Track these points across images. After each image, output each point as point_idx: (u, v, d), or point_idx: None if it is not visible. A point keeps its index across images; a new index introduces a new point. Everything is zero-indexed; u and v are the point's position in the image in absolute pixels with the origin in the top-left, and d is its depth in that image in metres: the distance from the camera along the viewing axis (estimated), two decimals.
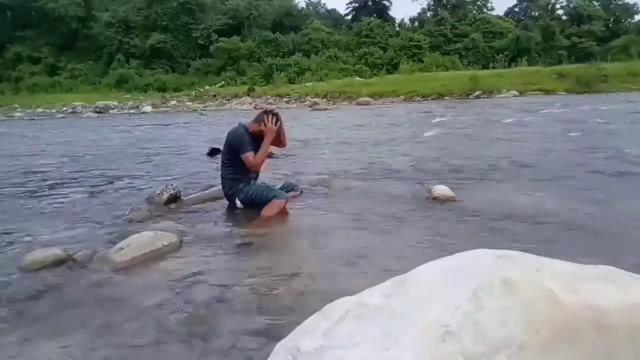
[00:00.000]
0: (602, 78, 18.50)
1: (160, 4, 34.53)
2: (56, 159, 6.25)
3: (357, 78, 26.18)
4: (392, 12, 43.40)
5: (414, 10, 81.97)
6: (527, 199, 3.24)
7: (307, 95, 21.46)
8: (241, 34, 34.67)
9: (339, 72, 30.24)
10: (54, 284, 2.06)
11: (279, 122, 3.23)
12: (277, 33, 34.57)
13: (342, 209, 3.17)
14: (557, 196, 3.29)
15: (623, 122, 7.99)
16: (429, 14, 39.70)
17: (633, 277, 0.98)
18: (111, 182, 4.46)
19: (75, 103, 22.43)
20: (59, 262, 2.26)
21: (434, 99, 18.81)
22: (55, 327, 1.68)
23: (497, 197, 3.34)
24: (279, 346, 1.01)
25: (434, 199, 3.23)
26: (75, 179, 4.72)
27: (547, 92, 17.98)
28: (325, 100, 20.17)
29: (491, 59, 30.64)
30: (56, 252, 2.31)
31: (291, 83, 26.59)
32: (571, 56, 31.07)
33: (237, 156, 3.17)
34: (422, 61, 30.08)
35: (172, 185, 3.54)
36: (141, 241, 2.37)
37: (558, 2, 39.48)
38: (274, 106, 17.35)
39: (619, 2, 39.36)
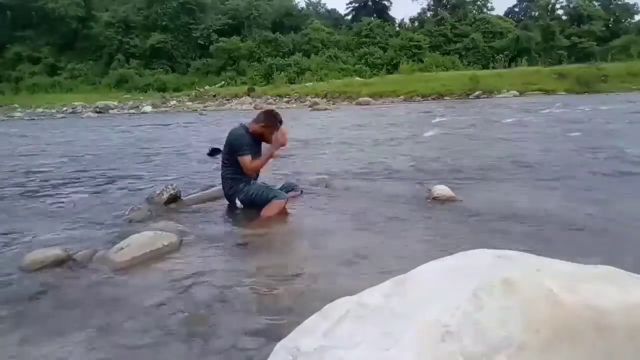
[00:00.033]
0: (602, 78, 18.52)
1: (160, 4, 34.55)
2: (56, 159, 6.25)
3: (357, 78, 26.19)
4: (392, 12, 43.50)
5: (414, 10, 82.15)
6: (527, 199, 3.25)
7: (307, 95, 21.47)
8: (241, 34, 34.68)
9: (339, 72, 30.26)
10: (54, 284, 2.06)
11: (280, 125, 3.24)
12: (277, 33, 34.59)
13: (342, 209, 3.17)
14: (557, 196, 3.30)
15: (623, 122, 7.99)
16: (429, 14, 39.76)
17: (633, 277, 0.98)
18: (111, 182, 4.46)
19: (75, 103, 22.45)
20: (59, 262, 2.25)
21: (434, 99, 18.81)
22: (55, 327, 1.68)
23: (497, 197, 3.34)
24: (279, 346, 1.01)
25: (434, 199, 3.23)
26: (75, 179, 4.72)
27: (547, 92, 17.99)
28: (325, 100, 20.17)
29: (491, 59, 30.66)
30: (56, 252, 2.31)
31: (291, 83, 26.60)
32: (571, 56, 31.09)
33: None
34: (422, 61, 30.11)
35: (172, 185, 3.54)
36: (141, 241, 2.37)
37: (558, 2, 39.57)
38: (274, 106, 17.39)
39: (619, 2, 39.39)
